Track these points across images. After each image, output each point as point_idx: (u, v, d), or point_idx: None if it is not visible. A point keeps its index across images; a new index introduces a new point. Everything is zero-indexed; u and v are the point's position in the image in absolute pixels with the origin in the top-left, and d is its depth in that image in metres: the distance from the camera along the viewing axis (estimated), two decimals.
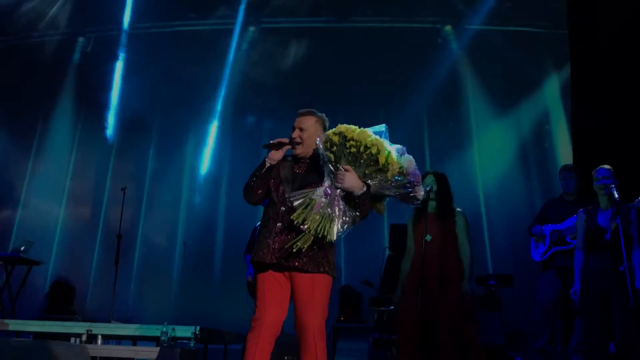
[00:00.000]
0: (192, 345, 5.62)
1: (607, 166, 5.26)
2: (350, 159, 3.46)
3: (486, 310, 6.92)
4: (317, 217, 3.41)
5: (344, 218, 3.47)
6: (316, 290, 3.63)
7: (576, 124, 7.76)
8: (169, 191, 9.78)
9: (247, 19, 9.98)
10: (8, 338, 6.28)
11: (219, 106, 9.79)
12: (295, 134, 3.80)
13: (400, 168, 3.52)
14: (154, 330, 5.94)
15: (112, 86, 9.97)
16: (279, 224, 3.65)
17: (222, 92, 9.76)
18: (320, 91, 9.29)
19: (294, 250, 3.50)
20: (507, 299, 7.25)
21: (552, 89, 9.29)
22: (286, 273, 3.67)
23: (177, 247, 9.15)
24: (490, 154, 9.37)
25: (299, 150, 3.79)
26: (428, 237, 4.90)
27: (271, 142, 3.81)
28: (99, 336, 6.09)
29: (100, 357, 5.84)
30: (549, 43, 9.19)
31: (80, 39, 10.23)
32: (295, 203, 3.50)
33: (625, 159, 6.13)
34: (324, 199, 3.46)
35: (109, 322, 6.61)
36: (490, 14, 9.45)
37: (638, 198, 5.06)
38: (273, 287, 3.67)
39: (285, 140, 3.81)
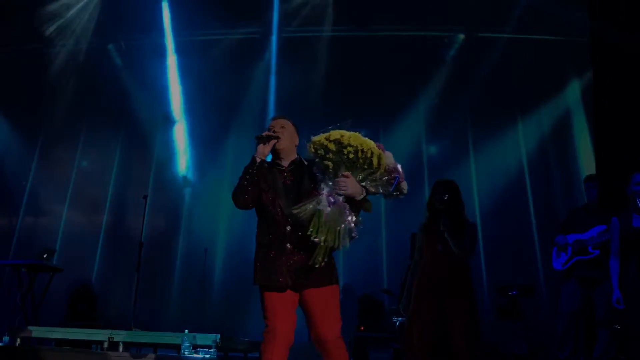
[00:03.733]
0: (213, 353, 5.62)
1: None
2: (349, 165, 3.43)
3: (508, 319, 6.86)
4: (329, 227, 3.37)
5: (353, 225, 3.44)
6: (331, 301, 3.63)
7: (599, 132, 7.69)
8: (195, 199, 9.83)
9: (271, 29, 10.03)
10: (31, 345, 6.33)
11: (269, 111, 9.83)
12: (277, 127, 3.76)
13: (386, 166, 3.53)
14: (175, 338, 5.95)
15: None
16: (288, 245, 3.57)
17: (270, 101, 9.82)
18: (341, 99, 9.34)
19: (317, 266, 3.47)
20: (529, 309, 7.20)
21: (573, 98, 9.23)
22: (297, 292, 3.63)
23: (199, 254, 9.16)
24: (507, 164, 9.34)
25: (281, 145, 3.73)
26: (439, 247, 4.78)
27: (263, 134, 3.73)
28: (121, 343, 6.11)
29: None
30: (569, 52, 9.12)
31: (111, 46, 10.32)
32: (303, 216, 3.43)
33: None
34: (329, 208, 3.41)
35: (131, 329, 6.63)
36: (506, 22, 9.42)
37: None
38: (283, 299, 3.61)
39: (272, 133, 3.73)
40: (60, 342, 6.44)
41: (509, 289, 7.14)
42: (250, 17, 9.95)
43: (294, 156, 3.79)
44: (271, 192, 3.67)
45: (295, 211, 3.47)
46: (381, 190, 3.61)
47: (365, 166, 3.45)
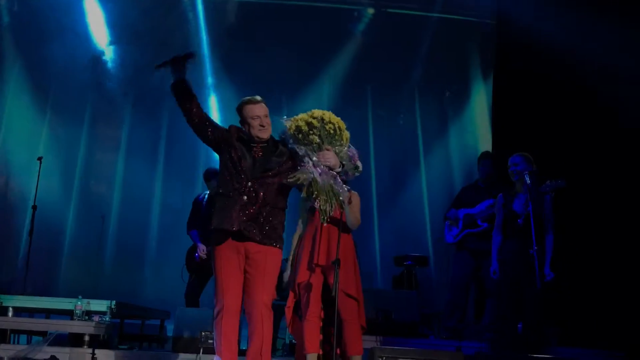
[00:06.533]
0: (107, 319, 5.51)
1: (521, 153, 5.41)
2: (329, 140, 3.86)
3: (402, 288, 7.10)
4: (325, 192, 3.80)
5: (342, 191, 3.88)
6: (269, 263, 3.89)
7: (497, 112, 8.00)
8: (91, 162, 9.52)
9: None
10: None
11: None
12: (266, 121, 4.00)
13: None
14: (67, 304, 5.78)
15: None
16: (244, 197, 3.86)
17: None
18: (246, 66, 9.30)
19: (324, 223, 3.93)
20: (423, 279, 7.48)
21: (475, 78, 9.51)
22: (243, 245, 3.87)
23: (97, 220, 8.91)
24: (412, 141, 9.58)
25: (266, 135, 4.01)
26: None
27: (163, 62, 3.88)
28: (10, 308, 5.88)
29: (11, 330, 5.67)
30: (475, 32, 9.37)
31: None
32: (299, 183, 3.83)
33: (542, 146, 6.34)
34: (320, 177, 3.80)
35: (22, 294, 6.39)
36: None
37: (546, 182, 5.25)
38: (232, 268, 3.86)
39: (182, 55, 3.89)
40: None
41: (404, 260, 7.40)
42: None
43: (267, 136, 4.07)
44: (240, 153, 3.94)
45: (290, 180, 3.84)
46: (345, 166, 4.04)
47: (342, 141, 3.93)
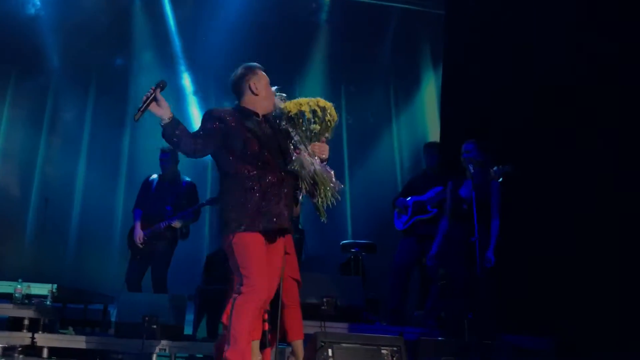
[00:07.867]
0: (48, 303, 5.41)
1: (474, 140, 5.46)
2: (325, 130, 3.76)
3: (348, 274, 7.18)
4: (323, 185, 3.68)
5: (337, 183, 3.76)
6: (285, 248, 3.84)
7: (445, 101, 8.08)
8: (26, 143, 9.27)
9: None
10: None
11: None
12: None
13: None
14: (7, 287, 5.65)
15: None
16: (285, 190, 3.64)
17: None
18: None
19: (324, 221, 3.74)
20: (370, 266, 7.56)
21: (426, 67, 9.61)
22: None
23: (34, 201, 8.70)
24: (359, 127, 9.63)
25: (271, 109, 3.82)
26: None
27: (139, 111, 3.42)
28: None
29: None
30: (424, 21, 9.46)
31: None
32: (303, 173, 3.62)
33: (490, 135, 6.41)
34: (318, 170, 3.67)
35: None
36: None
37: (494, 168, 5.34)
38: (263, 249, 3.59)
39: (149, 95, 3.45)
40: None
41: (351, 247, 7.47)
42: None
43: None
44: (256, 140, 3.64)
45: (296, 167, 3.60)
46: None
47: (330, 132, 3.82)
